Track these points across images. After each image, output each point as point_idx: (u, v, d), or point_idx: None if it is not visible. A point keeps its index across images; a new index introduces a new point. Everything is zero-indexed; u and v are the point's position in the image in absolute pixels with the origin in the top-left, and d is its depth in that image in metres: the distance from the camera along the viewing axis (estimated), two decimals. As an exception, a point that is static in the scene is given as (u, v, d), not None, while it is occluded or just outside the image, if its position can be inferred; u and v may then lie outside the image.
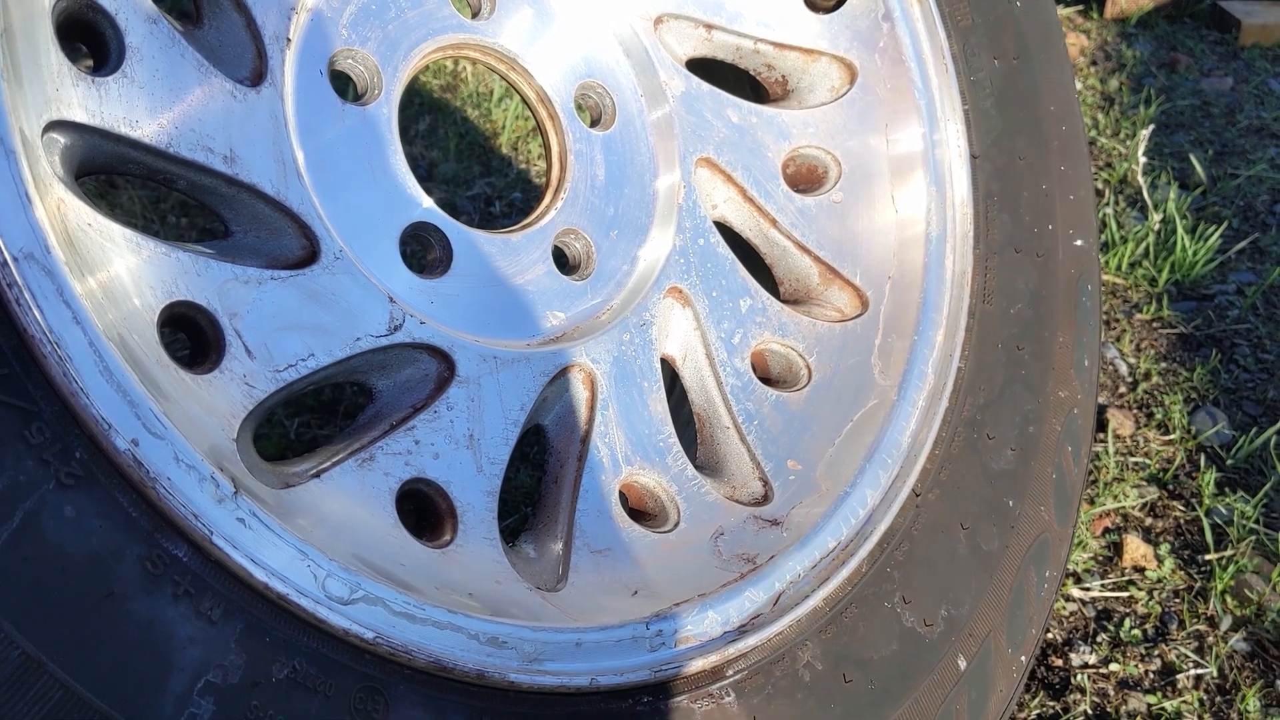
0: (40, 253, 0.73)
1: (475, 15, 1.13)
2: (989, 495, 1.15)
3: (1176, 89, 3.09)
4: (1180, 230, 2.32)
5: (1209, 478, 1.76)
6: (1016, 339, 1.21)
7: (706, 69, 1.27)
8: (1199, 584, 1.62)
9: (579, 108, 1.18)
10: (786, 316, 1.21)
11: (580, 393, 1.09)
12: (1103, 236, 2.40)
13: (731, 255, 1.20)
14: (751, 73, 1.29)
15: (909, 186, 1.23)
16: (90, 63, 0.90)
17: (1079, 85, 3.11)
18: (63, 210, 0.79)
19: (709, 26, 1.24)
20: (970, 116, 1.25)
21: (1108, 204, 2.55)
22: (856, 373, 1.18)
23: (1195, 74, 3.18)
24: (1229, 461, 1.83)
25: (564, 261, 1.14)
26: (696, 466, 1.14)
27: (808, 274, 1.24)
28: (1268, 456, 1.83)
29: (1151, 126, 2.59)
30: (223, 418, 0.85)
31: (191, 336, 0.89)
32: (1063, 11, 3.51)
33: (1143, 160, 2.49)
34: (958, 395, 1.17)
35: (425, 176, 2.42)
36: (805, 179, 1.27)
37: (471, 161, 2.48)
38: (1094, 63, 3.26)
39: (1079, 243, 1.28)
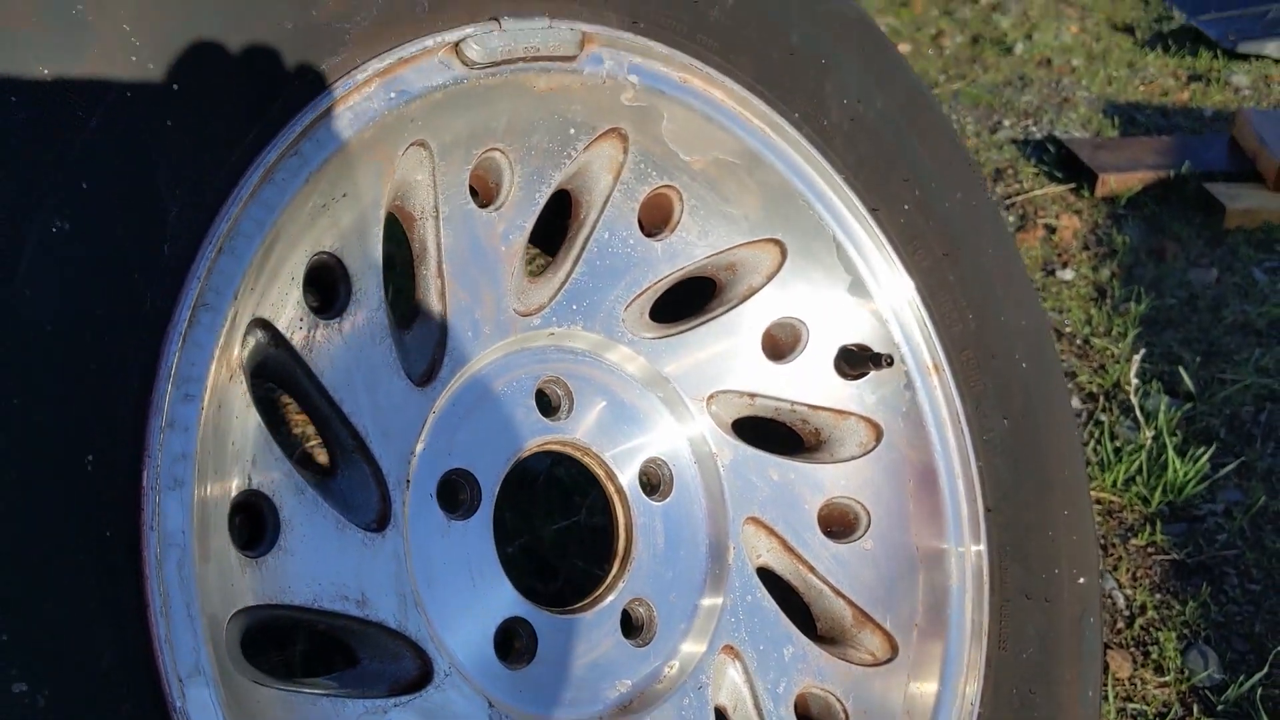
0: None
1: (554, 412, 1.30)
2: (1006, 833, 1.30)
3: (1165, 280, 3.27)
4: (1170, 450, 2.49)
5: (1202, 727, 1.91)
6: (1029, 682, 1.36)
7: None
8: (1194, 842, 1.76)
9: (643, 483, 1.34)
10: (825, 661, 1.36)
11: (646, 751, 1.24)
12: (1098, 453, 2.57)
13: (775, 606, 1.36)
14: (788, 425, 1.46)
15: (932, 539, 1.39)
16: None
17: (1071, 274, 3.30)
18: (233, 685, 0.95)
19: (752, 395, 1.41)
20: (984, 472, 1.41)
21: (1102, 411, 2.72)
22: (887, 718, 1.34)
23: (1182, 263, 3.37)
24: (1219, 707, 1.98)
25: (629, 627, 1.30)
26: (747, 810, 1.28)
27: (842, 616, 1.40)
28: (1255, 701, 1.98)
29: (1143, 351, 2.76)
30: (360, 847, 1.00)
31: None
32: (1055, 189, 3.72)
33: (1135, 380, 2.66)
34: (977, 741, 1.32)
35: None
36: (839, 524, 1.43)
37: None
38: (1086, 247, 3.45)
39: (1082, 580, 1.44)
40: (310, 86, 0.97)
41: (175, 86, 0.89)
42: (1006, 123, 4.17)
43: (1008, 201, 3.66)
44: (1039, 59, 4.78)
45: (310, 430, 2.54)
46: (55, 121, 0.84)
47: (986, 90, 4.43)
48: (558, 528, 2.33)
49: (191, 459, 0.90)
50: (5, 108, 0.82)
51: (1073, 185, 3.72)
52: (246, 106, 0.93)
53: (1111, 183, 3.67)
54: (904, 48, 4.85)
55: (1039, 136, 4.07)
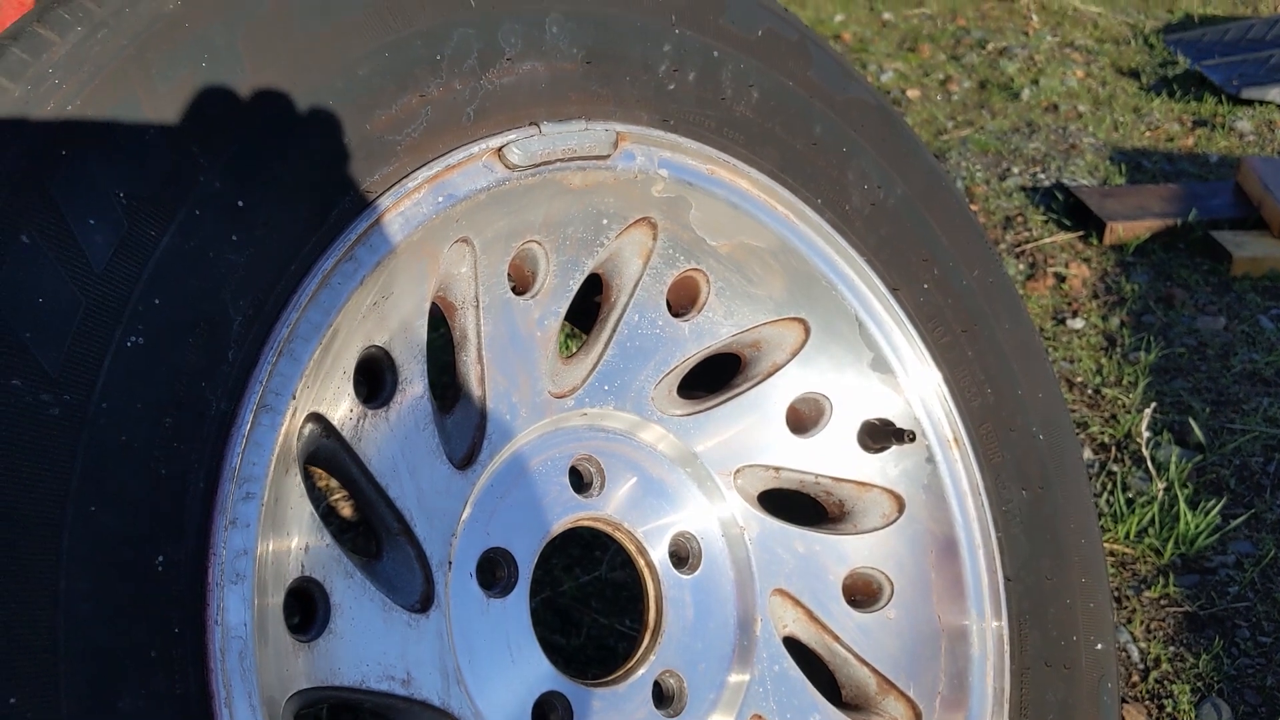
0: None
1: (585, 489, 1.34)
2: None
3: (1174, 328, 3.32)
4: (1182, 502, 2.53)
5: (1217, 784, 1.94)
6: (1048, 750, 1.40)
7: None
8: None
9: (672, 556, 1.38)
10: (850, 730, 1.40)
11: (678, 821, 1.28)
12: (1111, 504, 2.60)
13: (802, 676, 1.39)
14: (812, 497, 1.50)
15: (954, 608, 1.43)
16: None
17: (1081, 323, 3.35)
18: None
19: (777, 469, 1.45)
20: (1003, 543, 1.45)
21: (1114, 462, 2.76)
22: (911, 786, 1.37)
23: (1191, 310, 3.42)
24: (1234, 762, 2.01)
25: (660, 698, 1.34)
26: None
27: (866, 683, 1.43)
28: (1270, 756, 2.01)
29: (1153, 406, 2.80)
30: None
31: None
32: (1064, 237, 3.77)
33: (1147, 432, 2.70)
34: (999, 808, 1.35)
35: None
36: (862, 593, 1.47)
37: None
38: (1095, 295, 3.50)
39: (1099, 646, 1.48)
40: (365, 195, 1.03)
41: (240, 203, 0.95)
42: (1015, 170, 4.23)
43: (1017, 249, 3.71)
44: (1045, 104, 4.85)
45: (334, 483, 2.59)
46: (130, 242, 0.89)
47: (995, 137, 4.49)
48: (579, 582, 2.38)
49: (252, 554, 0.95)
50: (85, 230, 0.88)
51: (1081, 233, 3.77)
52: (306, 217, 0.99)
53: (1119, 231, 3.72)
54: (913, 93, 4.92)
55: (1047, 184, 4.13)
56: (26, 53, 0.93)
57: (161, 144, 0.92)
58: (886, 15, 5.87)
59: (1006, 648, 1.42)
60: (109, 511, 0.86)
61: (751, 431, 1.44)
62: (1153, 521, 2.54)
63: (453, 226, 1.15)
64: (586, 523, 1.34)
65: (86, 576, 0.84)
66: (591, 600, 2.33)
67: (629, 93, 1.24)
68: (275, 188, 0.97)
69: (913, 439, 1.42)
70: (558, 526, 1.29)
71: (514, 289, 1.28)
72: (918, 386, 1.43)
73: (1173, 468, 2.63)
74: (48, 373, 0.84)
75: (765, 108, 1.33)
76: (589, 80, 1.21)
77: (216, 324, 0.93)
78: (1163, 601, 2.37)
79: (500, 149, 1.14)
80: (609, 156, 1.23)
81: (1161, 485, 2.60)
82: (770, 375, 1.44)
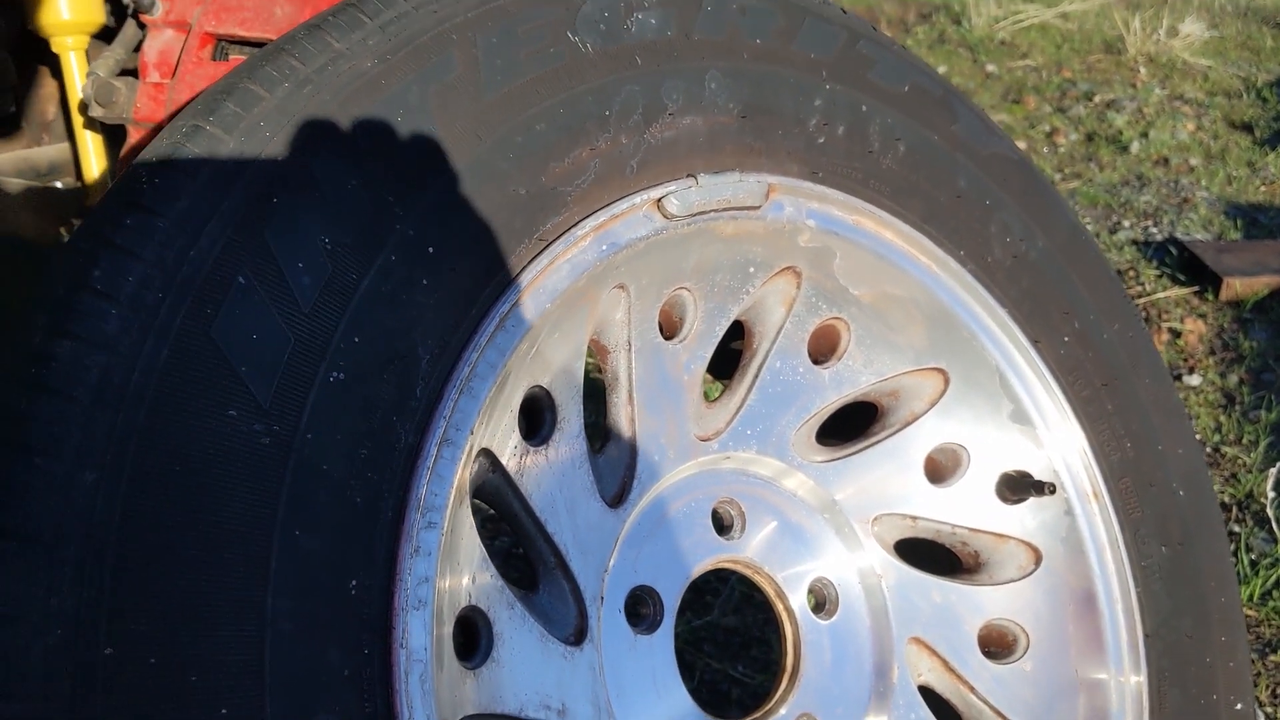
0: None
1: (726, 531, 1.37)
2: None
3: (1295, 386, 3.24)
4: (1310, 566, 2.46)
5: None
6: (1191, 811, 1.38)
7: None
8: None
9: (810, 601, 1.40)
10: (986, 782, 1.39)
11: None
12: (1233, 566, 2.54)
13: (937, 724, 1.40)
14: (948, 547, 1.51)
15: (1092, 662, 1.43)
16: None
17: (1198, 379, 3.29)
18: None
19: (914, 518, 1.46)
20: (1142, 599, 1.44)
21: (1236, 523, 2.70)
22: (1050, 841, 1.36)
23: (1313, 368, 3.34)
24: (1374, 836, 1.94)
25: (799, 741, 1.35)
26: None
27: (1002, 737, 1.43)
28: None
29: (1277, 466, 2.74)
30: None
31: None
32: (1178, 292, 3.71)
33: (1271, 492, 2.64)
34: None
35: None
36: (998, 645, 1.47)
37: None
38: (1212, 352, 3.44)
39: (1239, 707, 1.46)
40: (539, 243, 1.08)
41: (431, 249, 1.00)
42: (1126, 223, 4.18)
43: (1130, 304, 3.66)
44: (1156, 158, 4.79)
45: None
46: (334, 283, 0.95)
47: (1104, 190, 4.45)
48: (691, 625, 2.39)
49: (432, 582, 0.99)
50: (294, 272, 0.94)
51: (1196, 288, 3.71)
52: (487, 262, 1.04)
53: (1236, 286, 3.66)
54: (1018, 144, 4.90)
55: (1159, 238, 4.08)
56: (239, 106, 1.00)
57: (362, 193, 0.98)
58: (990, 67, 5.87)
59: (1145, 704, 1.41)
60: (311, 536, 0.91)
61: (889, 480, 1.45)
62: (1277, 584, 2.48)
63: (613, 273, 1.19)
64: (727, 564, 1.37)
65: (290, 597, 0.89)
66: (704, 644, 2.34)
67: (781, 145, 1.28)
68: (461, 235, 1.03)
69: (1052, 491, 1.42)
70: (700, 567, 1.32)
71: (663, 334, 1.33)
72: (1057, 439, 1.44)
73: (1299, 530, 2.57)
74: (260, 404, 0.90)
75: (911, 161, 1.36)
76: (744, 133, 1.25)
77: (407, 361, 0.98)
78: (1291, 667, 2.31)
79: (660, 200, 1.19)
80: (760, 207, 1.26)
81: (1288, 547, 2.54)
82: (909, 424, 1.46)
